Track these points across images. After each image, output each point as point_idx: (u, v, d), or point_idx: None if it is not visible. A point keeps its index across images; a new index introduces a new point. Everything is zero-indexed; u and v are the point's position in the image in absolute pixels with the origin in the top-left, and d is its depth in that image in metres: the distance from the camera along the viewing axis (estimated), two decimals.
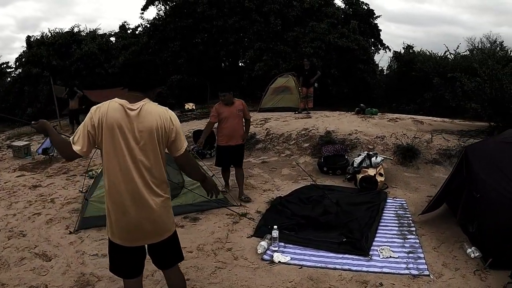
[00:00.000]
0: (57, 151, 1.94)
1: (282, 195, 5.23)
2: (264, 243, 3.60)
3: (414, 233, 3.93)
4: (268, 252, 3.51)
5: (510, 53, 12.36)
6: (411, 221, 4.26)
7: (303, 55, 14.32)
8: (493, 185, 3.34)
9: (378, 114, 9.72)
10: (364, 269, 3.18)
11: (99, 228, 4.08)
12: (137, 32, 18.86)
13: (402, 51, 16.85)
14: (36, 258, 3.54)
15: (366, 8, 16.65)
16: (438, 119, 9.15)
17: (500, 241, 3.06)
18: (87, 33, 19.76)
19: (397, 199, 5.11)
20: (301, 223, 4.19)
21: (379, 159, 5.95)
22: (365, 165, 5.94)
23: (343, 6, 17.09)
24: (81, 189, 5.75)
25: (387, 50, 16.98)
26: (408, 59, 14.30)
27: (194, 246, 3.72)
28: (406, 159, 6.60)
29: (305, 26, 14.90)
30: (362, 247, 3.51)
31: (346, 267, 3.22)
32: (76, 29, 19.76)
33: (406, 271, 3.12)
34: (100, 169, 6.17)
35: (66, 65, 17.73)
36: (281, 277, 3.07)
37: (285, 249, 3.58)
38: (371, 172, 5.72)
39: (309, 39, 14.54)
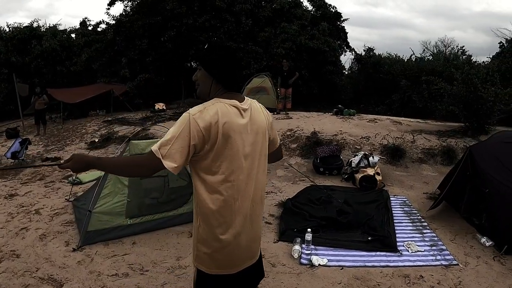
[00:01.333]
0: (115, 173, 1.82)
1: (290, 197, 5.36)
2: (297, 247, 3.68)
3: (428, 227, 4.32)
4: (304, 256, 3.61)
5: (471, 58, 13.52)
6: (420, 217, 4.66)
7: (275, 56, 14.64)
8: (502, 181, 3.81)
9: (356, 115, 10.25)
10: (400, 264, 3.49)
11: (105, 243, 3.84)
12: (98, 29, 18.09)
13: (363, 53, 17.89)
14: (43, 285, 3.10)
15: (333, 11, 17.33)
16: (414, 120, 9.83)
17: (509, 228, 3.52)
18: (47, 28, 18.62)
19: (399, 197, 5.52)
20: (323, 224, 4.41)
21: (376, 159, 6.36)
22: (363, 165, 6.32)
23: (310, 8, 17.65)
24: (67, 197, 5.43)
25: (353, 52, 17.92)
26: (375, 61, 15.12)
27: None
28: (395, 159, 7.11)
29: (276, 27, 15.19)
30: (391, 244, 3.82)
31: (383, 263, 3.50)
32: (35, 24, 18.58)
33: (437, 262, 3.48)
34: (86, 175, 5.93)
35: (26, 62, 16.60)
36: (328, 280, 3.24)
37: (318, 252, 3.72)
38: (370, 171, 6.11)
39: (281, 40, 14.86)
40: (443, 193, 4.50)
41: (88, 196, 4.68)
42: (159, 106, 13.82)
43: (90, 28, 18.81)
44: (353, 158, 6.57)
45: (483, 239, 3.80)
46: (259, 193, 1.73)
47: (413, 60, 14.39)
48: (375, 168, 6.22)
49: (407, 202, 5.30)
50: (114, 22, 16.20)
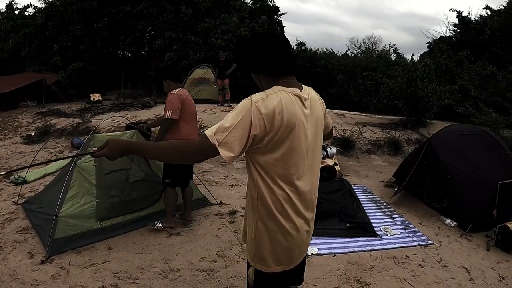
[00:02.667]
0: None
1: None
2: None
3: (396, 213, 4.70)
4: None
5: (402, 55, 14.81)
6: (386, 203, 5.04)
7: (214, 47, 14.48)
8: (461, 169, 4.30)
9: None
10: (384, 247, 3.74)
11: (77, 251, 3.41)
12: (26, 13, 16.07)
13: (295, 47, 18.57)
14: None
15: (271, 4, 17.61)
16: (356, 113, 10.49)
17: (475, 211, 4.01)
18: None
19: (359, 186, 5.89)
20: None
21: (334, 150, 6.67)
22: (322, 156, 6.59)
23: (249, 1, 17.71)
24: (14, 200, 4.76)
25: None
26: (310, 55, 15.78)
27: (214, 255, 3.46)
28: (346, 150, 7.55)
29: (216, 18, 14.98)
30: (371, 229, 4.07)
31: (369, 248, 3.72)
32: None
33: (416, 243, 3.81)
34: (32, 172, 5.23)
35: None
36: (326, 267, 3.33)
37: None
38: (330, 162, 6.40)
39: (221, 31, 14.71)
40: (405, 181, 4.90)
41: (45, 198, 4.18)
42: (95, 96, 12.81)
43: (17, 12, 16.61)
44: None
45: (448, 221, 4.25)
46: (316, 185, 1.69)
47: (349, 56, 15.35)
48: (333, 158, 6.54)
49: (368, 190, 5.69)
50: (45, 5, 14.54)
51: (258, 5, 17.25)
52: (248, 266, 1.68)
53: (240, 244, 3.69)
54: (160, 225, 3.87)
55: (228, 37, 14.67)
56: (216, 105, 10.85)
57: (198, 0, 14.91)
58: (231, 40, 14.73)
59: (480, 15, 13.46)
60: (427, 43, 15.32)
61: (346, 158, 7.34)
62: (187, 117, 3.75)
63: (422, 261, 3.47)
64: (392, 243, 3.83)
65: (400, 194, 5.25)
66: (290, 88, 1.50)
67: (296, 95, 1.50)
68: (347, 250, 3.68)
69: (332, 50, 16.42)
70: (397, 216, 4.59)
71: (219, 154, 1.38)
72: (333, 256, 3.57)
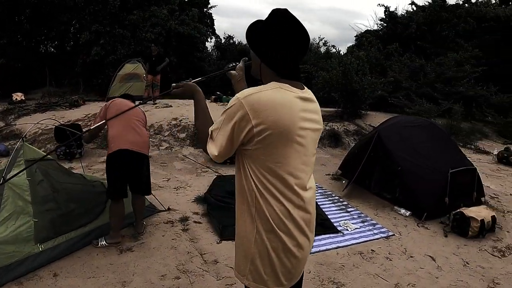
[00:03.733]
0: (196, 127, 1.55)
1: (203, 193, 4.91)
2: None
3: (350, 206, 4.65)
4: None
5: (332, 49, 15.31)
6: (338, 197, 4.98)
7: (144, 41, 13.64)
8: (411, 160, 4.39)
9: None
10: (348, 243, 3.63)
11: (18, 282, 2.78)
12: None
13: (223, 40, 18.40)
14: None
15: None
16: None
17: (429, 200, 4.10)
18: None
19: None
20: None
21: None
22: None
23: None
24: None
25: (219, 39, 18.20)
26: (241, 49, 15.64)
27: (174, 270, 3.04)
28: None
29: (145, 11, 14.09)
30: (332, 226, 3.95)
31: (334, 245, 3.58)
32: None
33: (378, 236, 3.77)
34: None
35: None
36: None
37: None
38: None
39: (150, 24, 13.89)
40: (356, 174, 4.88)
41: None
42: (17, 96, 11.10)
43: None
44: None
45: (402, 210, 4.30)
46: (314, 192, 1.53)
47: None
48: None
49: (317, 184, 5.61)
50: None
51: None
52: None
53: (200, 255, 3.30)
54: (104, 242, 3.31)
55: (157, 30, 13.89)
56: (151, 102, 10.06)
57: None
58: (160, 33, 13.99)
59: (406, 10, 14.47)
60: (355, 36, 16.11)
61: None
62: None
63: (388, 253, 3.42)
64: (355, 238, 3.73)
65: (350, 187, 5.25)
66: (289, 86, 1.36)
67: (295, 94, 1.35)
68: (313, 250, 3.49)
69: None
70: (352, 209, 4.55)
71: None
72: None
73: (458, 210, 3.79)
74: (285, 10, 1.39)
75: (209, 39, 17.87)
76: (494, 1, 13.16)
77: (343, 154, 7.48)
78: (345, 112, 8.85)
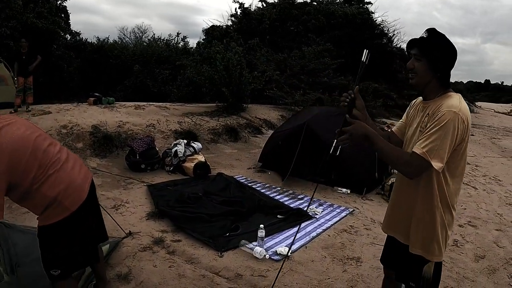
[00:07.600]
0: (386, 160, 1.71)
1: (153, 208, 4.52)
2: (258, 248, 3.49)
3: (298, 194, 5.19)
4: (269, 252, 3.50)
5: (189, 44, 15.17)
6: (279, 188, 5.42)
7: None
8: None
9: (115, 103, 9.38)
10: (328, 225, 4.16)
11: None
12: None
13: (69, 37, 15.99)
14: None
15: None
16: (172, 104, 10.18)
17: (364, 177, 5.08)
18: None
19: (237, 177, 5.89)
20: (230, 219, 4.24)
21: (200, 144, 6.44)
22: (190, 153, 6.25)
23: None
24: None
25: (77, 35, 15.50)
26: (98, 46, 14.07)
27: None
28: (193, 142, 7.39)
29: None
30: (305, 213, 4.39)
31: (320, 230, 4.03)
32: None
33: (343, 214, 4.46)
34: None
35: None
36: (315, 260, 3.36)
37: (268, 244, 3.67)
38: (201, 158, 6.17)
39: (5, 16, 11.33)
40: (292, 164, 5.45)
41: None
42: None
43: None
44: (176, 148, 6.30)
45: (344, 190, 5.15)
46: None
47: (144, 45, 14.43)
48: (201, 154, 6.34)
49: (249, 179, 5.90)
50: None
51: None
52: (419, 263, 1.80)
53: (217, 274, 3.10)
54: None
55: (13, 24, 11.57)
56: (11, 110, 7.85)
57: None
58: (16, 28, 11.56)
59: (257, 7, 15.70)
60: (203, 30, 16.55)
61: None
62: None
63: (363, 225, 4.16)
64: (329, 220, 4.30)
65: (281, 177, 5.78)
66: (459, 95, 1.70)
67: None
68: (310, 237, 3.86)
69: (124, 39, 15.10)
70: (302, 196, 5.11)
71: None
72: (305, 248, 3.68)
73: (389, 180, 4.90)
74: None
75: (67, 36, 15.34)
76: (338, 0, 15.79)
77: (247, 147, 7.98)
78: (229, 106, 9.27)
